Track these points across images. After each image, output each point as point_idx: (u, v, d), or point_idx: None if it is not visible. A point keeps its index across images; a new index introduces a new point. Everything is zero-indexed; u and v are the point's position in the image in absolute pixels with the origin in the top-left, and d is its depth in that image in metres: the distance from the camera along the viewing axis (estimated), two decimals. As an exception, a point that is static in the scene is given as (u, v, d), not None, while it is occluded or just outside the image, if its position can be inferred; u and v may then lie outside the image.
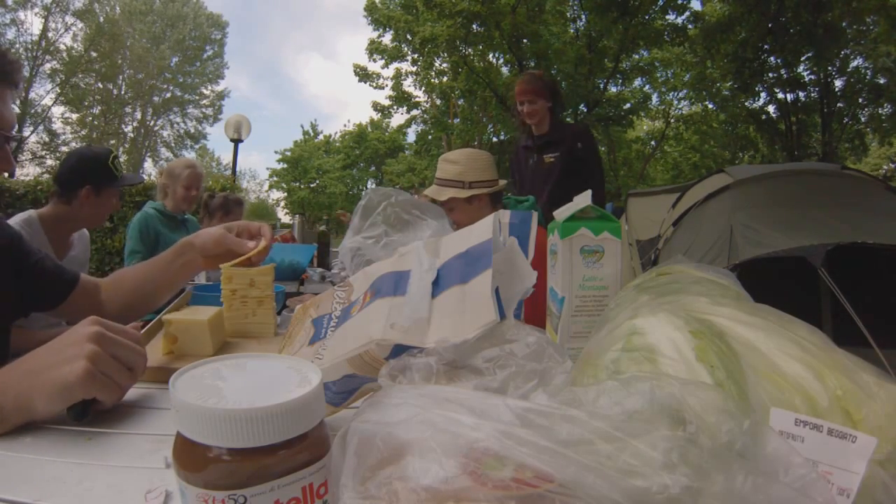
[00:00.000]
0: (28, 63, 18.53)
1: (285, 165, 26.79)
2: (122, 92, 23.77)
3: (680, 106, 17.17)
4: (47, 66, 20.00)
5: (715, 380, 0.35)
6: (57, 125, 21.35)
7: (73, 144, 20.80)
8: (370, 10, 15.13)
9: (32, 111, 19.52)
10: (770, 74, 12.50)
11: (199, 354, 0.81)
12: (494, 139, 16.28)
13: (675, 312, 0.41)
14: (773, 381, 0.35)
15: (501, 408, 0.28)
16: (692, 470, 0.24)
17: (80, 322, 0.62)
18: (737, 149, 15.71)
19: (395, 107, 17.57)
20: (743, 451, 0.27)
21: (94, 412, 0.61)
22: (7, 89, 0.90)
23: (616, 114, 15.10)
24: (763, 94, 13.21)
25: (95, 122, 22.67)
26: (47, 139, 20.83)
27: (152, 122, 25.39)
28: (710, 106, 15.58)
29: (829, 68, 12.00)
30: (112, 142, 22.60)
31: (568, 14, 13.29)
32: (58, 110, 21.30)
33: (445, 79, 14.93)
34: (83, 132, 21.88)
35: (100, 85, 22.60)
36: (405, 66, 15.80)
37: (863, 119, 12.72)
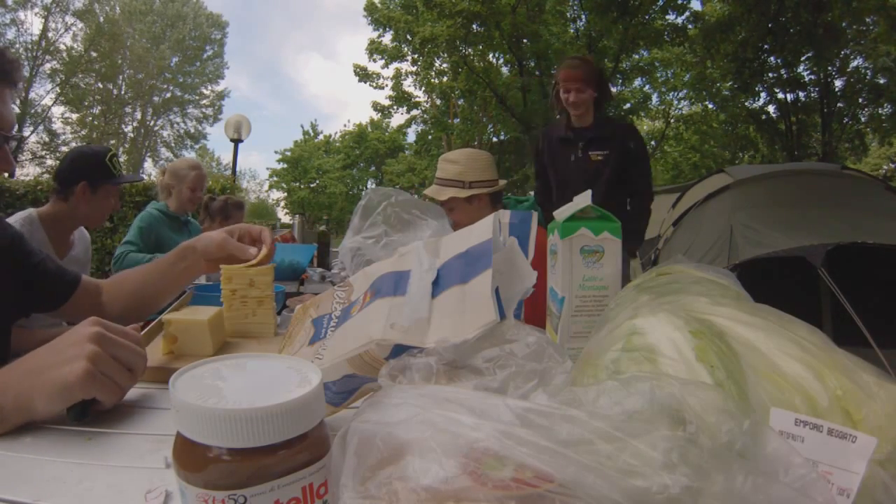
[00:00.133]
0: (28, 63, 18.53)
1: (285, 165, 26.80)
2: (122, 92, 23.77)
3: (680, 106, 17.17)
4: (47, 66, 20.02)
5: (715, 380, 0.35)
6: (57, 125, 21.36)
7: (73, 144, 20.81)
8: (370, 10, 15.13)
9: (32, 111, 19.52)
10: (770, 74, 12.49)
11: (199, 354, 0.81)
12: (494, 139, 16.30)
13: (675, 312, 0.41)
14: (773, 381, 0.35)
15: (501, 408, 0.28)
16: (692, 470, 0.24)
17: (80, 322, 0.62)
18: (737, 149, 15.71)
19: (395, 107, 17.57)
20: (743, 451, 0.27)
21: (93, 412, 0.61)
22: (7, 89, 0.89)
23: (616, 114, 15.10)
24: (763, 94, 13.21)
25: (95, 122, 22.67)
26: (47, 139, 20.85)
27: (152, 122, 25.40)
28: (710, 106, 15.58)
29: (829, 68, 11.99)
30: (112, 142, 22.59)
31: (568, 14, 13.29)
32: (58, 110, 21.33)
33: (445, 79, 14.93)
34: (83, 132, 21.88)
35: (100, 85, 22.60)
36: (405, 66, 15.81)
37: (863, 119, 12.72)
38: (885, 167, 16.59)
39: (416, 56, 14.62)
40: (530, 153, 13.00)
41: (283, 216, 25.63)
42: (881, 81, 11.55)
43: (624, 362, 0.39)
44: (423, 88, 15.82)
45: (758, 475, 0.25)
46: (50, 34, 19.91)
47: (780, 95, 12.95)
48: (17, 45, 18.40)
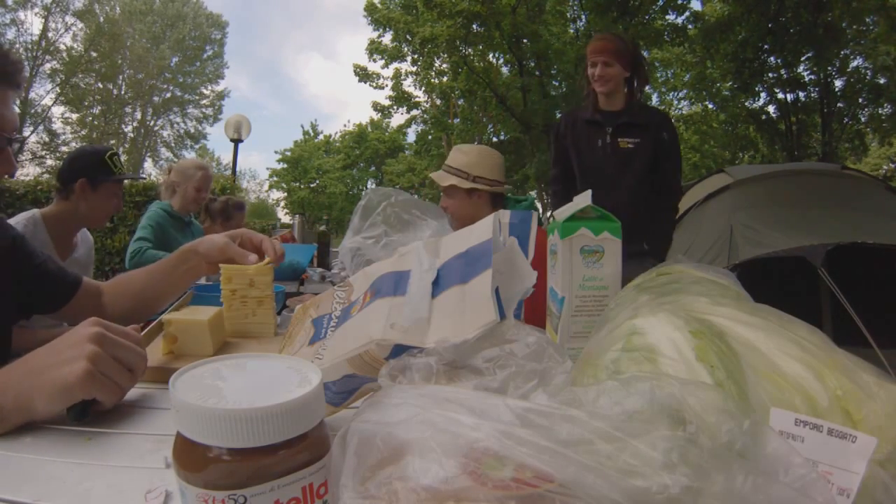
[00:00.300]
0: (28, 63, 18.53)
1: (285, 165, 26.80)
2: (122, 92, 23.77)
3: (680, 106, 17.16)
4: (47, 66, 20.00)
5: (715, 380, 0.35)
6: (57, 125, 21.35)
7: (73, 144, 20.81)
8: (370, 10, 15.12)
9: (32, 111, 19.52)
10: (770, 74, 12.49)
11: (199, 354, 0.81)
12: (494, 139, 16.29)
13: (675, 312, 0.41)
14: (773, 381, 0.35)
15: (501, 408, 0.28)
16: (692, 470, 0.24)
17: (80, 323, 0.62)
18: (737, 149, 15.71)
19: (395, 107, 17.57)
20: (743, 451, 0.27)
21: (93, 413, 0.61)
22: (9, 90, 0.89)
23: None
24: (763, 94, 13.21)
25: (95, 122, 22.67)
26: (47, 139, 20.84)
27: (152, 122, 25.39)
28: (710, 106, 15.57)
29: (829, 68, 11.99)
30: (112, 142, 22.59)
31: (568, 14, 13.29)
32: (58, 110, 21.32)
33: (445, 79, 14.93)
34: (83, 132, 21.88)
35: (100, 85, 22.60)
36: (405, 67, 15.81)
37: (863, 119, 12.72)
38: (885, 167, 16.59)
39: (416, 56, 14.62)
40: (531, 148, 13.09)
41: (283, 216, 25.64)
42: (881, 81, 11.55)
43: (624, 362, 0.39)
44: (423, 88, 15.82)
45: (758, 475, 0.25)
46: (50, 34, 19.92)
47: (780, 95, 12.95)
48: (17, 45, 18.40)
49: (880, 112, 12.36)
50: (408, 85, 16.37)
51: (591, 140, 2.27)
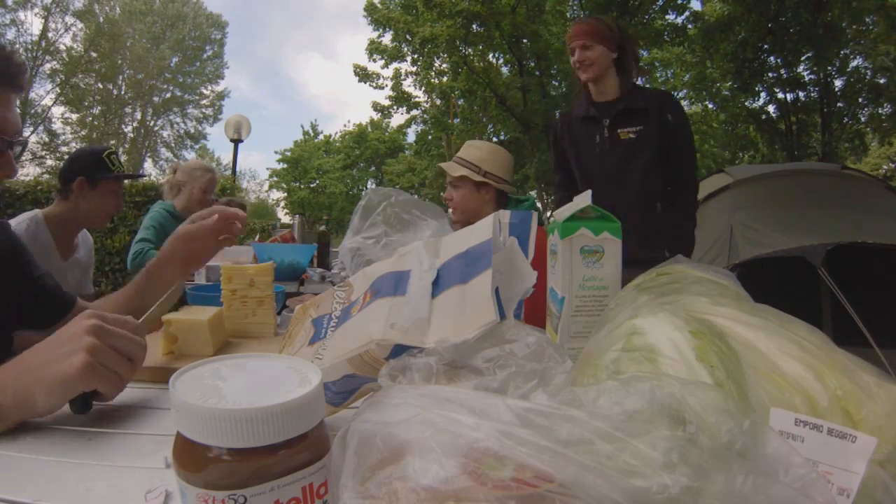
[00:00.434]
0: (28, 63, 18.47)
1: (285, 165, 26.80)
2: (122, 92, 23.77)
3: (680, 106, 17.14)
4: (47, 66, 19.98)
5: (715, 380, 0.35)
6: (57, 125, 21.33)
7: (74, 145, 20.79)
8: (370, 10, 15.12)
9: (32, 111, 19.52)
10: (770, 74, 12.49)
11: (199, 354, 0.81)
12: (494, 139, 16.29)
13: (675, 312, 0.41)
14: (773, 381, 0.35)
15: (501, 408, 0.28)
16: (692, 470, 0.24)
17: (77, 316, 0.62)
18: (737, 149, 15.70)
19: (395, 107, 17.56)
20: (743, 451, 0.27)
21: (95, 405, 0.61)
22: (11, 93, 0.89)
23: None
24: (763, 94, 13.21)
25: (95, 123, 22.66)
26: (47, 139, 20.82)
27: (152, 123, 25.39)
28: (710, 106, 15.57)
29: (829, 68, 11.99)
30: (112, 142, 22.59)
31: (568, 14, 13.27)
32: (58, 110, 21.30)
33: (445, 79, 14.92)
34: (83, 132, 21.88)
35: (100, 85, 22.60)
36: (405, 67, 15.80)
37: (863, 119, 12.72)
38: (885, 167, 16.59)
39: (415, 56, 14.62)
40: (531, 148, 13.07)
41: (283, 216, 25.64)
42: (881, 81, 11.55)
43: (624, 362, 0.39)
44: (423, 88, 15.81)
45: (758, 475, 0.25)
46: (50, 34, 19.91)
47: (780, 95, 12.95)
48: (17, 46, 18.39)
49: (880, 112, 12.36)
50: (408, 85, 16.37)
51: (588, 138, 2.03)
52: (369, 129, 26.65)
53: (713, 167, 11.70)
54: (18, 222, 1.74)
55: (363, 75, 16.52)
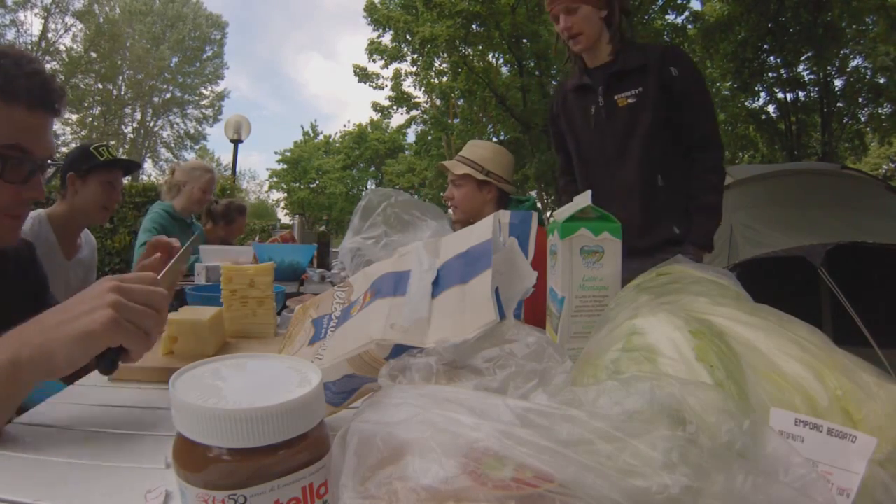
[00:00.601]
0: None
1: (285, 166, 26.81)
2: (122, 92, 23.77)
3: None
4: (47, 66, 19.96)
5: (715, 380, 0.35)
6: (57, 126, 21.20)
7: (73, 145, 20.80)
8: (370, 10, 15.13)
9: (32, 111, 19.49)
10: (770, 74, 12.50)
11: (199, 354, 0.81)
12: (494, 139, 16.30)
13: (675, 312, 0.41)
14: (773, 381, 0.35)
15: (501, 408, 0.28)
16: (692, 470, 0.24)
17: (96, 281, 0.60)
18: (737, 149, 15.70)
19: (394, 107, 17.57)
20: (743, 451, 0.27)
21: (122, 362, 0.58)
22: (50, 116, 0.90)
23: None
24: (763, 94, 13.22)
25: (95, 123, 22.67)
26: (47, 139, 20.81)
27: (152, 123, 25.40)
28: (710, 106, 15.57)
29: (829, 68, 12.00)
30: (112, 142, 22.58)
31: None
32: (58, 111, 21.29)
33: (445, 79, 14.93)
34: (83, 133, 21.89)
35: (100, 85, 22.60)
36: (405, 67, 15.81)
37: (863, 119, 12.73)
38: (885, 167, 16.60)
39: (415, 56, 14.62)
40: (531, 148, 13.04)
41: (283, 216, 25.65)
42: (881, 81, 11.56)
43: (624, 362, 0.39)
44: (423, 89, 15.82)
45: (758, 475, 0.25)
46: (50, 35, 19.93)
47: (780, 95, 12.96)
48: (17, 46, 18.39)
49: (880, 112, 12.37)
50: (407, 85, 16.38)
51: (584, 111, 1.74)
52: (369, 130, 26.66)
53: (713, 167, 11.67)
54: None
55: (363, 75, 16.52)
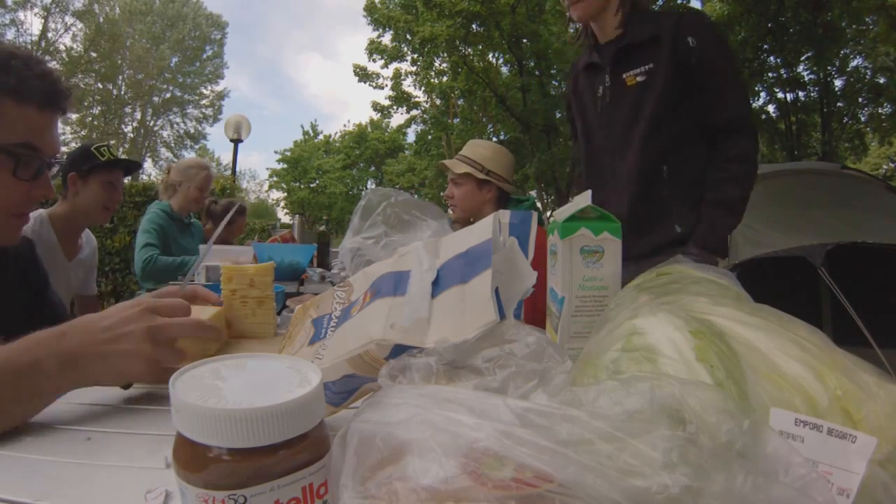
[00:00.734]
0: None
1: (285, 165, 26.83)
2: (122, 92, 23.77)
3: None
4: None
5: (715, 380, 0.35)
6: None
7: (73, 145, 20.78)
8: (370, 10, 15.12)
9: (32, 111, 19.48)
10: (770, 74, 12.51)
11: (199, 354, 0.81)
12: (494, 139, 16.30)
13: (675, 312, 0.41)
14: (773, 381, 0.35)
15: (501, 408, 0.28)
16: (692, 470, 0.24)
17: (128, 304, 0.63)
18: (737, 149, 15.69)
19: (394, 107, 17.58)
20: (743, 451, 0.27)
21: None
22: (56, 115, 0.92)
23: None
24: (763, 94, 13.22)
25: (95, 123, 22.66)
26: (47, 139, 20.80)
27: (152, 123, 25.40)
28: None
29: (829, 68, 12.01)
30: (112, 142, 22.57)
31: (568, 14, 13.29)
32: (58, 110, 21.29)
33: (445, 79, 14.93)
34: (83, 132, 21.89)
35: (99, 85, 22.60)
36: (405, 67, 15.82)
37: (863, 119, 12.74)
38: (885, 167, 16.61)
39: (415, 56, 14.62)
40: (531, 148, 13.01)
41: (283, 216, 25.69)
42: (881, 81, 11.57)
43: (624, 362, 0.39)
44: (423, 88, 15.82)
45: (758, 475, 0.25)
46: (49, 34, 19.93)
47: (780, 95, 12.96)
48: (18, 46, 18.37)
49: (880, 112, 12.38)
50: (408, 85, 16.39)
51: (591, 91, 1.55)
52: (369, 129, 26.68)
53: (713, 167, 11.68)
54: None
55: (363, 75, 16.53)
